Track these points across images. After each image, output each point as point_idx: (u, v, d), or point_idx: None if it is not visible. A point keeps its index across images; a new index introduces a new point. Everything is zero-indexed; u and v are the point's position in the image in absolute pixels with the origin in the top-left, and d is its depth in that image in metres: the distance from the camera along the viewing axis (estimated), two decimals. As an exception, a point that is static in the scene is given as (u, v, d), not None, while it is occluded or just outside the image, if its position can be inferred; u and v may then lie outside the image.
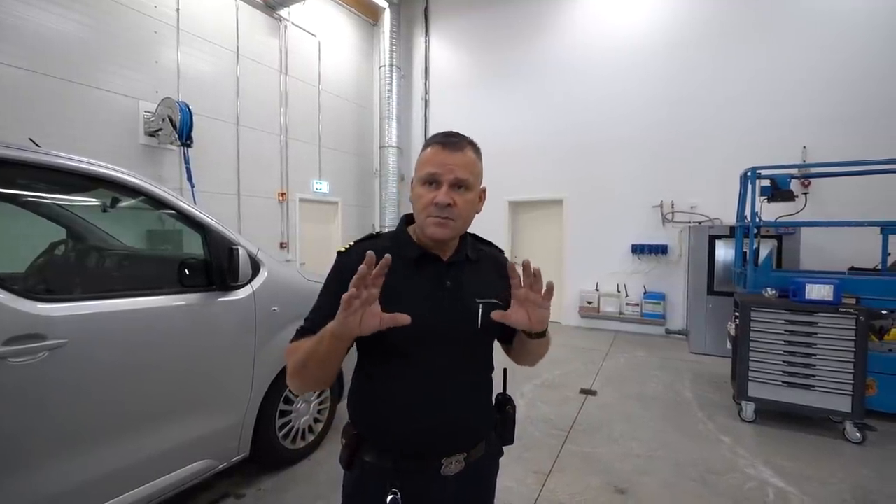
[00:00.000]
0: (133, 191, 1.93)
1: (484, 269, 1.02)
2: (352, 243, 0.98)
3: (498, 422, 1.05)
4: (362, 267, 0.70)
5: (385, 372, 0.92)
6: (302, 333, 0.90)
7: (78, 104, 4.14)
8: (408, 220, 1.00)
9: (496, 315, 0.83)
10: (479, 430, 0.99)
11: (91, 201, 2.20)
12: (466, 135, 0.94)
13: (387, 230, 0.97)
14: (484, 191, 0.99)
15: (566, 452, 2.80)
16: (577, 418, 3.33)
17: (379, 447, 0.92)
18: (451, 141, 0.90)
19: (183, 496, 2.11)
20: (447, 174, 0.87)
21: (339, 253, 0.97)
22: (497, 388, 1.08)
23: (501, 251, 1.13)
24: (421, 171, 0.90)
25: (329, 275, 0.97)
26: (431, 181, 0.88)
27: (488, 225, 7.32)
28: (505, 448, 1.08)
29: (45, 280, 2.06)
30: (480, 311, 0.92)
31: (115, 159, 4.19)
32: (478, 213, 0.96)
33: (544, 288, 0.81)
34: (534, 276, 0.81)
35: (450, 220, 0.88)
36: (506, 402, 1.07)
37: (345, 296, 0.71)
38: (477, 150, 0.95)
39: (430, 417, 0.90)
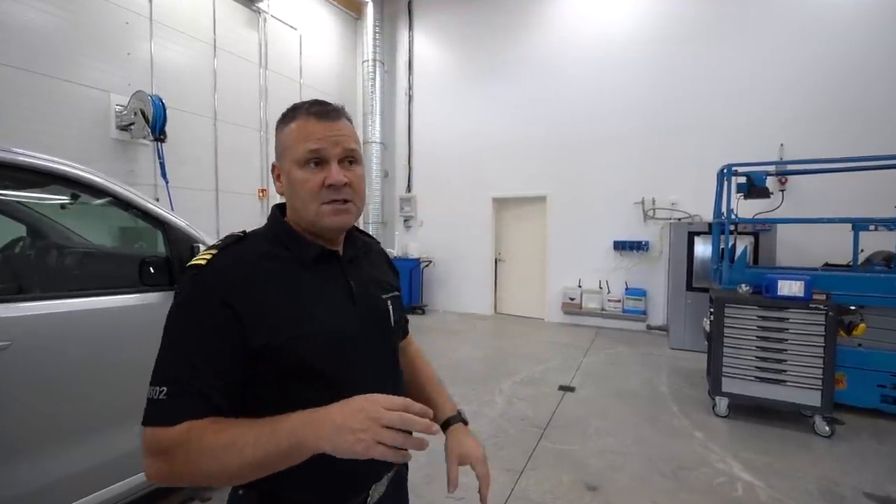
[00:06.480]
0: (88, 187, 1.86)
1: (373, 261, 0.92)
2: (214, 251, 0.71)
3: None
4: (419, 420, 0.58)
5: (295, 403, 0.65)
6: (171, 408, 0.62)
7: (45, 97, 3.99)
8: (283, 211, 0.82)
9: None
10: None
11: (44, 197, 2.12)
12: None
13: (250, 230, 0.80)
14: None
15: (541, 450, 2.80)
16: (554, 415, 3.33)
17: (294, 498, 0.73)
18: (327, 109, 0.75)
19: (146, 500, 2.05)
20: (333, 147, 0.72)
21: (195, 268, 0.69)
22: None
23: (377, 241, 1.03)
24: (297, 149, 0.72)
25: (183, 304, 0.68)
26: (315, 160, 0.72)
27: (473, 221, 7.32)
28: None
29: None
30: (390, 307, 0.85)
31: (85, 153, 4.13)
32: None
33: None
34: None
35: (349, 202, 0.75)
36: None
37: (391, 418, 0.57)
38: (352, 121, 0.82)
39: None
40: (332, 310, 0.75)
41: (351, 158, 0.76)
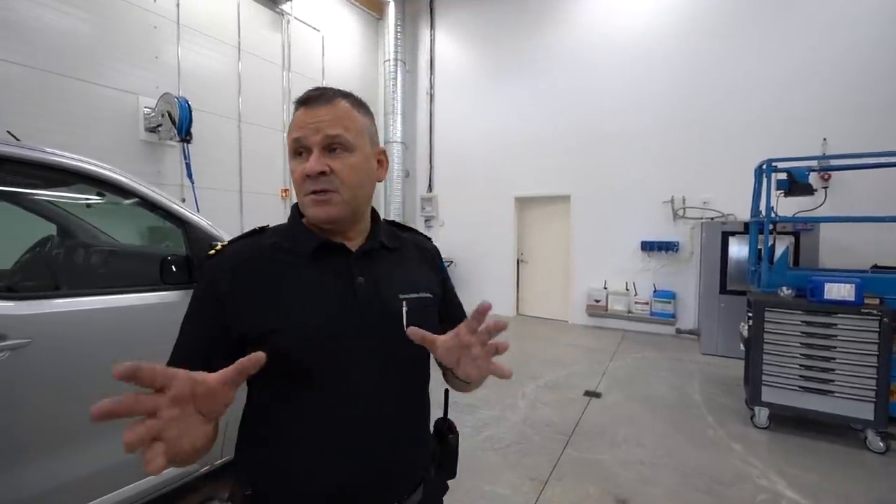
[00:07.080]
0: (112, 186, 1.86)
1: (407, 258, 0.82)
2: (224, 243, 0.74)
3: (437, 454, 0.84)
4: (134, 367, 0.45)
5: (287, 405, 0.68)
6: None
7: (76, 100, 4.11)
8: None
9: (413, 333, 0.62)
10: (417, 470, 0.78)
11: (70, 196, 2.14)
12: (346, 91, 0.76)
13: (273, 225, 0.80)
14: (384, 153, 0.78)
15: (566, 458, 2.68)
16: (580, 422, 3.20)
17: None
18: (315, 94, 0.71)
19: (165, 500, 2.04)
20: (312, 135, 0.68)
21: (207, 258, 0.73)
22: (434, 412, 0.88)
23: (428, 238, 0.94)
24: (289, 140, 0.72)
25: (195, 292, 0.72)
26: (300, 150, 0.70)
27: (495, 221, 7.20)
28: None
29: (3, 277, 2.00)
30: (405, 309, 0.73)
31: (115, 155, 4.22)
32: (379, 181, 0.78)
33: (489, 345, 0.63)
34: (482, 330, 0.62)
35: (330, 192, 0.69)
36: (447, 429, 0.86)
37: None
38: (357, 102, 0.74)
39: (354, 460, 0.69)
40: (326, 305, 0.70)
41: (335, 145, 0.69)
